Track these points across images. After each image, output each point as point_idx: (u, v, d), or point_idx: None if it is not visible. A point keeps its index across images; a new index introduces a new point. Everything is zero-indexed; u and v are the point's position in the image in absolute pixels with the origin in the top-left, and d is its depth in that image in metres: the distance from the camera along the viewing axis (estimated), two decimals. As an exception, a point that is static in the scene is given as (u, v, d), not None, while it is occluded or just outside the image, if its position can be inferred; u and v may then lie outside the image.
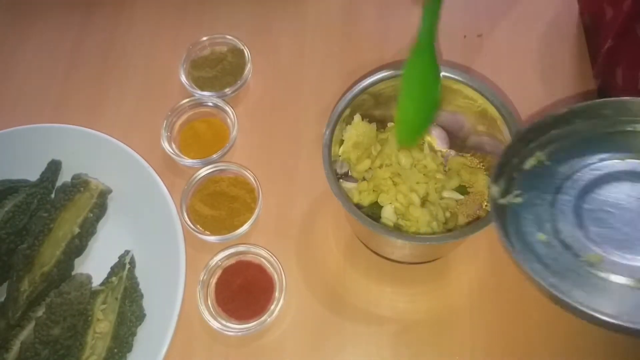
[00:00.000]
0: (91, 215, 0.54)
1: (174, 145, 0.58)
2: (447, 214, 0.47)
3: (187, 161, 0.57)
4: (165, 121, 0.59)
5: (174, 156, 0.57)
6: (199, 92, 0.60)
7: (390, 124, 0.52)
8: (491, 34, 0.63)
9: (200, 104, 0.60)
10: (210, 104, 0.60)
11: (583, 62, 0.60)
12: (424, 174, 0.47)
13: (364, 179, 0.49)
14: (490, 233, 0.53)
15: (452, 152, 0.51)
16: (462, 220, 0.47)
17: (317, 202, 0.56)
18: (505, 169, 0.39)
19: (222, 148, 0.57)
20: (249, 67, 0.61)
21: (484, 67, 0.61)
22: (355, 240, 0.54)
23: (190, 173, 0.56)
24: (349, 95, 0.47)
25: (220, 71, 0.62)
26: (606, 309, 0.30)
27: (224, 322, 0.50)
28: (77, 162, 0.57)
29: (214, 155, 0.57)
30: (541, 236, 0.36)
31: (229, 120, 0.59)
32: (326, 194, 0.56)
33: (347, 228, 0.55)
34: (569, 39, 0.62)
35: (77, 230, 0.53)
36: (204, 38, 0.63)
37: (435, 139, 0.51)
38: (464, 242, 0.52)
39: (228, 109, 0.59)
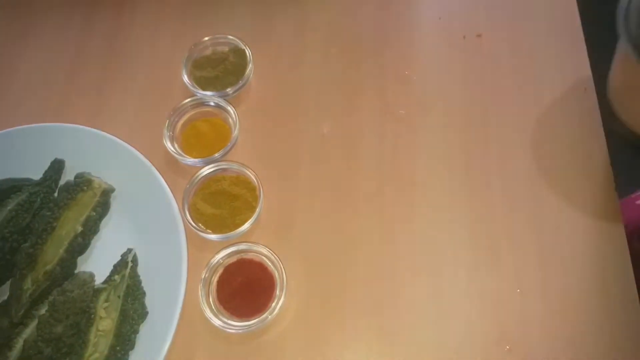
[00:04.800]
0: (94, 213, 0.55)
1: (176, 145, 0.59)
2: None
3: (189, 160, 0.57)
4: (167, 121, 0.59)
5: (176, 155, 0.58)
6: (201, 91, 0.61)
7: None
8: (491, 34, 0.64)
9: (202, 103, 0.60)
10: (212, 103, 0.60)
11: (582, 62, 0.60)
12: None
13: None
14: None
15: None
16: None
17: (317, 201, 0.56)
18: None
19: (224, 147, 0.57)
20: (250, 67, 0.62)
21: (484, 67, 0.61)
22: (356, 238, 0.54)
23: (192, 172, 0.56)
24: None
25: (222, 71, 0.62)
26: None
27: (225, 320, 0.50)
28: (80, 161, 0.58)
29: (216, 155, 0.57)
30: None
31: (230, 119, 0.59)
32: (327, 193, 0.56)
33: (347, 227, 0.55)
34: (568, 38, 0.62)
35: (80, 228, 0.53)
36: (206, 38, 0.64)
37: None
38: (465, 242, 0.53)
39: (230, 108, 0.59)
